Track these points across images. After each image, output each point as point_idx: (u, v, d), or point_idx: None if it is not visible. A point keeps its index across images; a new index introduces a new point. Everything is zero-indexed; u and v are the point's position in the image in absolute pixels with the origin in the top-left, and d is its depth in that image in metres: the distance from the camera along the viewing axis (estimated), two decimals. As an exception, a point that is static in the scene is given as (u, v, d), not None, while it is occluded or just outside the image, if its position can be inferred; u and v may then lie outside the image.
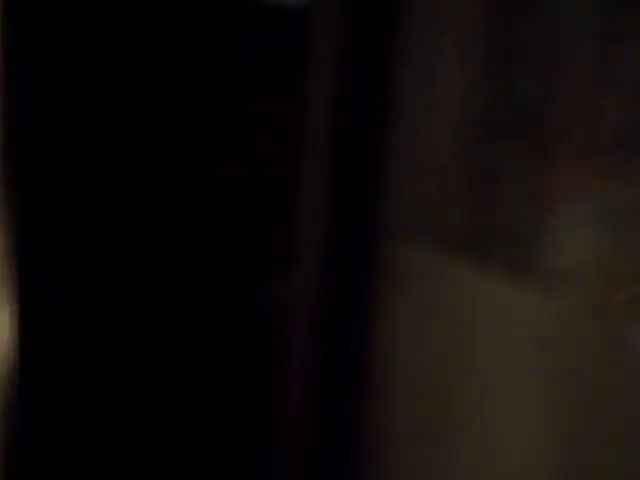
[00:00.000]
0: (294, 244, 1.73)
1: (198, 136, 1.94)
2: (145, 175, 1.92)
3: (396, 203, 1.44)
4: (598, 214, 1.08)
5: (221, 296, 2.08)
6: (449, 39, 1.32)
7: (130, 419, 1.97)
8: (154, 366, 2.00)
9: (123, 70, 1.91)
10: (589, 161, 1.11)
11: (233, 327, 2.05)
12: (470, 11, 1.30)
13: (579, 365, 1.09)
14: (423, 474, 1.35)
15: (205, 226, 1.95)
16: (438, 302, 1.33)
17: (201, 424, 2.04)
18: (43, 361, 1.90)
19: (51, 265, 1.89)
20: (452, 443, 1.28)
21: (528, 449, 1.16)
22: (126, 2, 1.88)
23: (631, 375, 1.02)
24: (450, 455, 1.29)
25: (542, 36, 1.18)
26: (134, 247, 1.95)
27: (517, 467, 1.18)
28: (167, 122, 1.91)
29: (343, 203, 1.55)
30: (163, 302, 1.99)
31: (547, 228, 1.15)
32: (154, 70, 1.88)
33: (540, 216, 1.17)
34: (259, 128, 1.94)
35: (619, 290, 1.06)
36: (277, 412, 1.79)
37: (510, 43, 1.23)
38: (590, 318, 1.08)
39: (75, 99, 1.88)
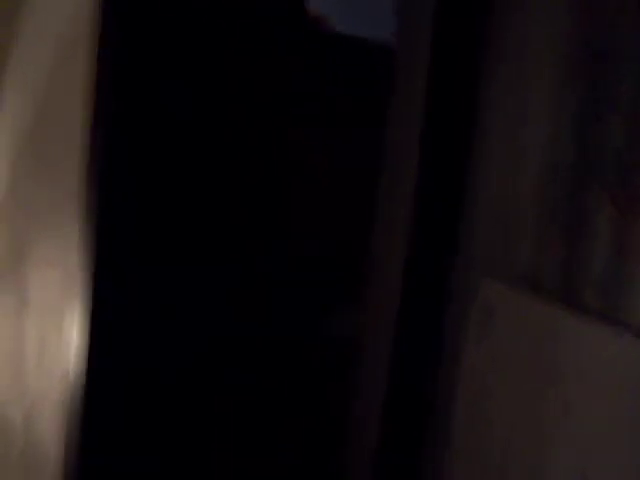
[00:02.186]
0: (366, 276, 1.73)
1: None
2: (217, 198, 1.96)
3: (480, 241, 1.46)
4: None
5: (289, 327, 2.12)
6: (540, 87, 1.35)
7: (191, 436, 2.01)
8: (215, 384, 2.03)
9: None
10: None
11: (301, 357, 2.08)
12: (561, 56, 1.32)
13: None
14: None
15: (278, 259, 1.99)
16: (522, 343, 1.35)
17: (272, 457, 2.08)
18: (111, 366, 1.93)
19: (122, 274, 1.93)
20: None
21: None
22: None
23: None
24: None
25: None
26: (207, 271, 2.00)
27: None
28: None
29: (426, 236, 1.56)
30: (229, 327, 2.02)
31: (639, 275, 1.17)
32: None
33: (632, 263, 1.18)
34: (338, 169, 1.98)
35: None
36: (346, 451, 1.79)
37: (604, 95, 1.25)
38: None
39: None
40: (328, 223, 2.11)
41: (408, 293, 1.58)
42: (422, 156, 1.52)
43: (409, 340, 1.59)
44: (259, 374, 2.07)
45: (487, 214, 1.46)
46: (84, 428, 1.91)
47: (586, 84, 1.27)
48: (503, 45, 1.43)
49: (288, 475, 2.12)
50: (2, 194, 2.29)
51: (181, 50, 1.89)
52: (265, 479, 2.11)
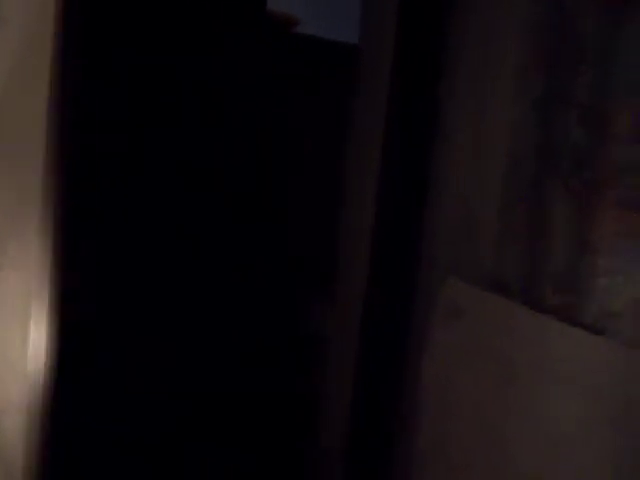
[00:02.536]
0: (337, 275, 1.74)
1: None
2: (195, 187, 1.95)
3: (445, 240, 1.46)
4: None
5: (265, 321, 2.11)
6: (501, 80, 1.35)
7: (166, 438, 1.99)
8: (190, 379, 2.02)
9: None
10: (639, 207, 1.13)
11: (275, 353, 2.08)
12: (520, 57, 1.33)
13: (630, 399, 1.11)
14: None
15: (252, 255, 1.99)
16: (485, 340, 1.35)
17: (236, 443, 2.07)
18: (75, 367, 1.91)
19: (91, 274, 1.92)
20: (502, 475, 1.29)
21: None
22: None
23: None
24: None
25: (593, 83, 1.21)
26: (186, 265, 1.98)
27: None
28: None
29: (387, 241, 1.57)
30: (204, 322, 2.01)
31: (598, 270, 1.17)
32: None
33: (590, 258, 1.19)
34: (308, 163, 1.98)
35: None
36: (313, 443, 1.80)
37: (560, 89, 1.26)
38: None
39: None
40: (300, 224, 2.12)
41: (373, 293, 1.59)
42: (385, 155, 1.53)
43: (375, 337, 1.59)
44: (235, 371, 2.06)
45: (450, 213, 1.46)
46: (48, 431, 1.89)
47: (545, 78, 1.28)
48: (467, 33, 1.44)
49: (256, 472, 2.11)
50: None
51: (142, 56, 1.89)
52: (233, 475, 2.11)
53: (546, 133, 1.27)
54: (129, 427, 1.98)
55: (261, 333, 2.10)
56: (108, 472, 2.01)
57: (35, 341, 1.90)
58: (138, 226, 1.91)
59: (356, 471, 1.62)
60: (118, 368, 1.96)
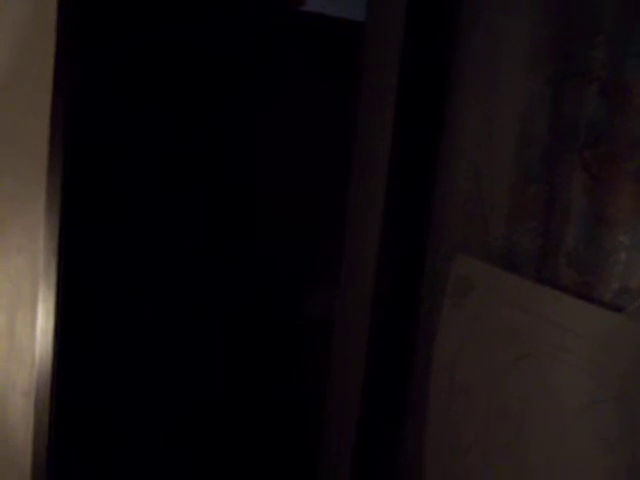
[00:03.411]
0: (344, 257, 1.72)
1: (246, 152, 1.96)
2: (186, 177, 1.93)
3: (455, 216, 1.44)
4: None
5: (270, 308, 2.09)
6: (513, 55, 1.33)
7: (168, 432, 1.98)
8: (190, 369, 2.00)
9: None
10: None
11: (280, 339, 2.06)
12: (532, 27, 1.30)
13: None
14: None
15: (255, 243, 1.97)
16: (498, 318, 1.33)
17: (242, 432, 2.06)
18: (80, 354, 1.90)
19: (92, 262, 1.90)
20: (517, 453, 1.27)
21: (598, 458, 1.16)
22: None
23: None
24: (514, 465, 1.28)
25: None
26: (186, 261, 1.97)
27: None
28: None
29: (395, 217, 1.55)
30: (204, 311, 1.99)
31: (617, 246, 1.15)
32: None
33: (608, 233, 1.17)
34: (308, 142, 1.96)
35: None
36: (319, 426, 1.78)
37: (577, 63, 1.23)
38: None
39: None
40: (305, 208, 2.09)
41: (382, 274, 1.57)
42: (395, 134, 1.50)
43: (384, 320, 1.57)
44: (242, 357, 2.05)
45: (460, 189, 1.44)
46: (53, 417, 1.88)
47: (561, 50, 1.25)
48: (479, 7, 1.41)
49: (266, 462, 2.10)
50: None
51: (151, 41, 1.86)
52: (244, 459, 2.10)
53: (560, 107, 1.24)
54: (132, 410, 1.96)
55: (265, 320, 2.08)
56: (111, 456, 2.00)
57: (41, 324, 1.89)
58: (142, 211, 1.89)
59: (364, 458, 1.60)
60: (122, 353, 1.94)
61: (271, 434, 2.07)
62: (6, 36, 1.96)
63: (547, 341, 1.25)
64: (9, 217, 2.06)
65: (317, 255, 2.06)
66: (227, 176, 1.97)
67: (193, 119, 1.91)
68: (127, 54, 1.79)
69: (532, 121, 1.29)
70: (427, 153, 1.47)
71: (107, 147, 1.88)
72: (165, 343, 1.99)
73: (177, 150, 1.94)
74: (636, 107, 1.13)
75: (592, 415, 1.17)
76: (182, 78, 1.86)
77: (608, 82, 1.17)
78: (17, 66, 1.95)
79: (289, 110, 1.96)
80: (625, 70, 1.14)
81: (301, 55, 1.96)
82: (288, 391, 1.98)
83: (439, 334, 1.46)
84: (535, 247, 1.28)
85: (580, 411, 1.19)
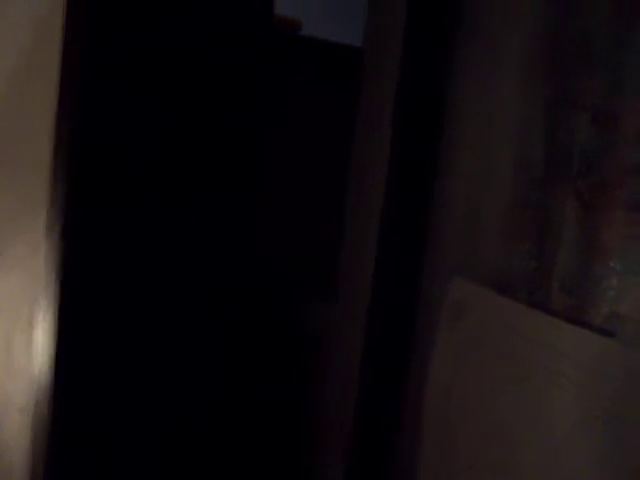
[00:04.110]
0: (340, 275, 1.73)
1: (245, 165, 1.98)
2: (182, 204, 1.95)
3: (450, 239, 1.46)
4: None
5: (264, 323, 2.10)
6: (508, 81, 1.35)
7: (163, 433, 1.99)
8: (185, 381, 2.01)
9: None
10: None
11: (275, 354, 2.07)
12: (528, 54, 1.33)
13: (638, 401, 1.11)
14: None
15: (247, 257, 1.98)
16: (492, 341, 1.35)
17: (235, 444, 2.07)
18: (79, 369, 1.91)
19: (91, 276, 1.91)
20: (507, 476, 1.29)
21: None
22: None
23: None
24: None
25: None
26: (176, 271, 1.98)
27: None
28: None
29: (392, 236, 1.56)
30: (202, 327, 2.01)
31: (608, 272, 1.17)
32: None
33: (599, 259, 1.19)
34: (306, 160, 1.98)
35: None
36: (312, 452, 1.79)
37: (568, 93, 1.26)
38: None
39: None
40: (302, 224, 2.12)
41: (379, 293, 1.59)
42: (392, 156, 1.53)
43: (379, 339, 1.59)
44: (234, 373, 2.06)
45: (456, 212, 1.46)
46: (51, 433, 1.89)
47: (555, 80, 1.28)
48: (475, 33, 1.44)
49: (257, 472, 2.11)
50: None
51: (150, 51, 1.88)
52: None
53: (555, 135, 1.27)
54: (129, 428, 1.98)
55: (261, 334, 2.10)
56: (107, 473, 2.01)
57: (40, 342, 1.90)
58: (143, 226, 1.91)
59: (358, 476, 1.62)
60: (120, 371, 1.95)
61: (267, 437, 2.08)
62: (9, 39, 1.98)
63: (541, 365, 1.27)
64: (9, 233, 2.08)
65: (315, 268, 2.08)
66: (232, 178, 1.99)
67: (195, 118, 1.92)
68: (129, 53, 1.79)
69: (528, 146, 1.32)
70: (424, 178, 1.50)
71: (111, 160, 1.89)
72: (165, 359, 2.00)
73: (180, 155, 1.95)
74: (625, 136, 1.15)
75: (583, 436, 1.19)
76: (184, 78, 1.87)
77: (599, 111, 1.20)
78: (22, 71, 1.97)
79: (291, 125, 1.99)
80: (615, 100, 1.17)
81: (300, 77, 1.99)
82: (284, 394, 2.00)
83: (435, 356, 1.48)
84: (528, 271, 1.31)
85: (571, 431, 1.21)
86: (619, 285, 1.16)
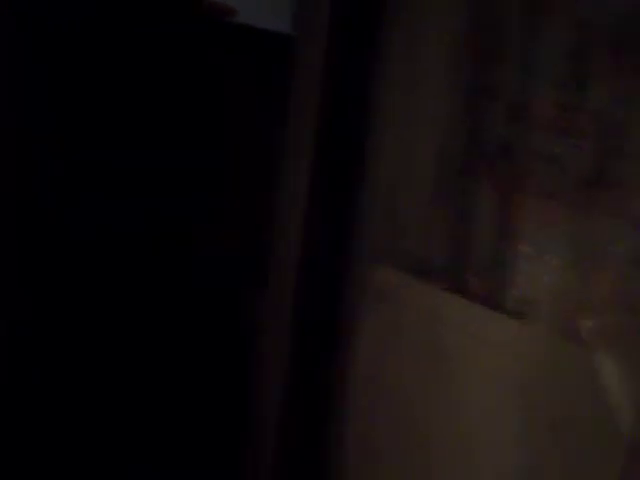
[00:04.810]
0: (269, 263, 1.75)
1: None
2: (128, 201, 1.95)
3: (374, 226, 1.49)
4: (566, 246, 1.15)
5: (206, 310, 2.11)
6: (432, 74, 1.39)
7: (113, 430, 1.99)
8: (137, 373, 2.01)
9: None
10: (557, 196, 1.17)
11: (216, 338, 2.08)
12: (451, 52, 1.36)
13: (550, 382, 1.16)
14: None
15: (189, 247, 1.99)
16: (410, 325, 1.39)
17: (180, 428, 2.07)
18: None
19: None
20: (427, 457, 1.33)
21: (500, 463, 1.22)
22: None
23: (596, 390, 1.09)
24: (428, 469, 1.34)
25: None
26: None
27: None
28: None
29: (319, 224, 1.59)
30: (150, 316, 2.01)
31: (518, 256, 1.21)
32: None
33: (510, 244, 1.23)
34: (240, 149, 1.99)
35: (585, 315, 1.12)
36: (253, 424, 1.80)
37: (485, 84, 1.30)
38: (559, 341, 1.14)
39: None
40: (236, 215, 2.12)
41: (305, 279, 1.61)
42: (318, 144, 1.55)
43: (306, 323, 1.61)
44: (166, 355, 2.06)
45: (379, 200, 1.49)
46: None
47: (474, 74, 1.31)
48: (401, 24, 1.46)
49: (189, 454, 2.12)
50: None
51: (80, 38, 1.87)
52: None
53: (472, 125, 1.31)
54: (63, 433, 1.97)
55: (200, 326, 2.10)
56: None
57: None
58: (75, 231, 1.89)
59: (288, 456, 1.64)
60: (50, 377, 1.94)
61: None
62: None
63: (459, 347, 1.30)
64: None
65: (249, 256, 2.08)
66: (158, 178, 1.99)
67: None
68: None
69: (449, 136, 1.35)
70: (349, 167, 1.52)
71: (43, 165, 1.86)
72: (96, 360, 2.01)
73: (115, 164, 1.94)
74: (536, 126, 1.19)
75: (498, 416, 1.23)
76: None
77: (513, 102, 1.24)
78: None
79: (222, 116, 1.99)
80: (526, 94, 1.21)
81: (234, 64, 1.99)
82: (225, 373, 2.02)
83: (359, 338, 1.51)
84: (446, 257, 1.34)
85: (487, 412, 1.25)
86: (530, 269, 1.20)
